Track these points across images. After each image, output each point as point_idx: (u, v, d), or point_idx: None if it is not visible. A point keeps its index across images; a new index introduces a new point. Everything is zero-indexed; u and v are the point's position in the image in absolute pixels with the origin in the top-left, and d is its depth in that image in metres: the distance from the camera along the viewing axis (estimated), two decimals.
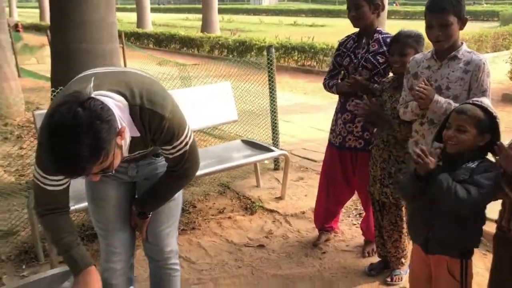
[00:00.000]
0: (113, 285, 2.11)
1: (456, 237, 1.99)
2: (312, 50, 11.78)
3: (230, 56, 13.73)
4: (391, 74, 2.92)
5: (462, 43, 2.35)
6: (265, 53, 4.77)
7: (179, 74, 5.76)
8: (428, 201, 1.98)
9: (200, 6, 22.88)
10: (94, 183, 2.01)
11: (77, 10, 3.85)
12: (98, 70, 1.75)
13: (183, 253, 3.27)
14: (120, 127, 1.53)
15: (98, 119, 1.41)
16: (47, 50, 12.11)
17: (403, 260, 2.91)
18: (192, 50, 16.12)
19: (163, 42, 17.62)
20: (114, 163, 1.55)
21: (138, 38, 19.03)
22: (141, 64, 6.29)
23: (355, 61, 2.96)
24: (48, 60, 4.63)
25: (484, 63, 2.27)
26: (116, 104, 1.56)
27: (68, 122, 1.37)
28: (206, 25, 20.32)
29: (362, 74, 2.91)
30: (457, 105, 2.17)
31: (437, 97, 2.25)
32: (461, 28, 2.30)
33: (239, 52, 13.53)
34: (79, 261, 1.76)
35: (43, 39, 14.16)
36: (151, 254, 2.21)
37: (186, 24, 27.93)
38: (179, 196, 2.15)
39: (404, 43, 2.61)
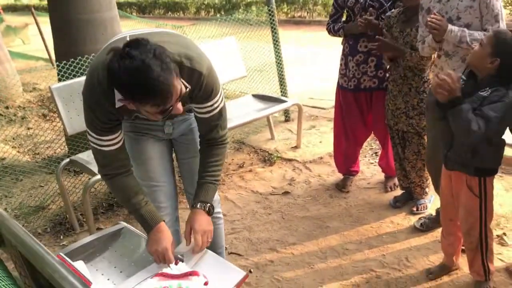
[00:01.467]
0: None
1: (470, 156, 2.08)
2: (301, 0, 11.62)
3: (218, 15, 13.51)
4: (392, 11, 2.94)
5: None
6: (254, 8, 4.72)
7: None
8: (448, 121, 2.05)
9: None
10: (133, 144, 2.08)
11: None
12: (132, 32, 1.78)
13: None
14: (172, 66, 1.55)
15: (146, 46, 1.47)
16: (31, 30, 11.88)
17: (426, 189, 3.04)
18: (178, 13, 15.84)
19: (146, 8, 17.29)
20: (175, 106, 1.59)
21: (120, 8, 18.54)
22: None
23: (362, 1, 2.97)
24: (34, 40, 4.58)
25: None
26: None
27: (129, 64, 1.43)
28: None
29: (372, 13, 2.93)
30: (472, 32, 2.23)
31: (450, 27, 2.29)
32: None
33: (226, 10, 13.32)
34: (149, 220, 1.84)
35: (25, 19, 13.84)
36: None
37: None
38: None
39: None
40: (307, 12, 11.62)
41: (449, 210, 2.34)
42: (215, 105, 1.84)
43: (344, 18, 3.18)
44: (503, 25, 2.30)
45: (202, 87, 1.76)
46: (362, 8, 2.96)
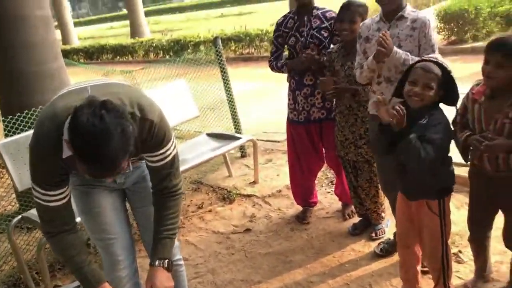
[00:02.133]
0: None
1: (429, 182, 2.17)
2: (248, 38, 11.92)
3: (167, 56, 13.61)
4: (332, 46, 3.09)
5: (406, 4, 2.54)
6: (202, 48, 4.82)
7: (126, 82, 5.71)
8: (397, 155, 2.16)
9: (124, 12, 22.36)
10: (83, 197, 2.03)
11: (17, 33, 3.75)
12: (83, 85, 1.78)
13: None
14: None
15: (122, 118, 1.48)
16: None
17: (382, 214, 3.13)
18: (126, 57, 15.80)
19: (93, 54, 17.13)
20: (128, 162, 1.60)
21: (66, 55, 18.29)
22: (85, 78, 6.14)
23: (302, 39, 3.10)
24: None
25: (428, 20, 2.47)
26: None
27: (98, 125, 1.43)
28: (135, 31, 19.93)
29: (313, 49, 3.06)
30: (414, 57, 2.37)
31: (396, 49, 2.42)
32: None
33: (175, 51, 13.42)
34: (91, 279, 1.81)
35: None
36: None
37: (113, 33, 27.21)
38: None
39: (354, 11, 2.79)
40: (255, 49, 11.91)
41: (406, 237, 2.41)
42: (167, 153, 1.85)
43: (286, 54, 3.30)
44: (437, 54, 2.46)
45: (153, 135, 1.77)
46: (303, 45, 3.08)
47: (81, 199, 2.04)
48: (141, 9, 20.44)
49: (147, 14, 32.48)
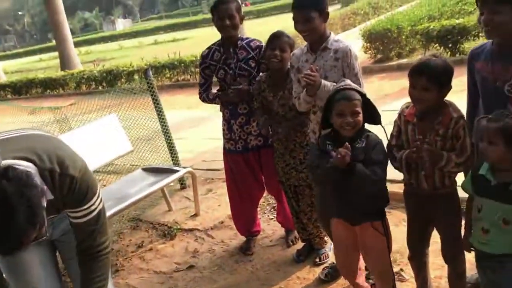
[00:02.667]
0: None
1: (372, 203, 2.23)
2: (183, 65, 11.87)
3: (100, 87, 13.25)
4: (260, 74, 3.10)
5: (330, 33, 2.60)
6: (136, 77, 4.73)
7: (55, 119, 5.45)
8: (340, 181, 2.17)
9: (53, 43, 21.63)
10: (6, 256, 1.87)
11: None
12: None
13: None
14: (41, 185, 1.44)
15: (26, 187, 1.33)
16: None
17: (325, 238, 3.12)
18: (57, 90, 15.21)
19: (22, 89, 16.36)
20: (45, 225, 1.47)
21: None
22: (9, 118, 5.81)
23: (231, 72, 3.08)
24: None
25: (350, 49, 2.53)
26: None
27: (10, 194, 1.29)
28: (64, 62, 19.24)
29: (242, 82, 3.04)
30: None
31: (324, 82, 2.46)
32: (325, 21, 2.53)
33: (108, 81, 13.10)
34: None
35: None
36: None
37: (42, 65, 26.22)
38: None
39: (284, 41, 2.82)
40: (190, 75, 11.87)
41: (349, 264, 2.43)
42: (92, 208, 1.73)
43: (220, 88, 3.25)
44: (361, 81, 2.53)
45: (75, 191, 1.65)
46: (233, 78, 3.06)
47: (2, 258, 1.87)
48: (70, 39, 19.80)
49: (77, 44, 31.70)
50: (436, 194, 2.22)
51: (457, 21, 8.40)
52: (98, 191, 1.75)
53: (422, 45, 8.95)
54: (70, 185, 1.63)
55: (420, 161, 2.13)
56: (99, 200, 1.75)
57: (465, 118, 2.17)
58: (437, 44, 8.51)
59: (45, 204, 1.45)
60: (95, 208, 1.74)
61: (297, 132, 2.89)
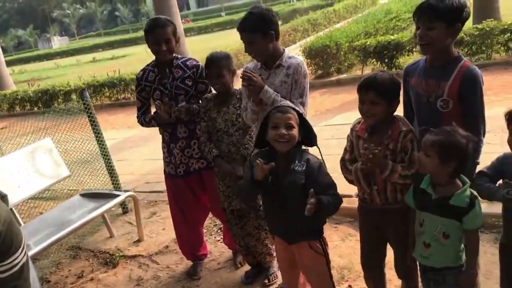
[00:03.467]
0: None
1: (310, 223, 2.19)
2: (122, 83, 11.57)
3: (35, 108, 12.63)
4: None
5: (284, 50, 2.59)
6: (74, 96, 4.53)
7: None
8: (279, 200, 2.15)
9: None
10: None
11: None
12: None
13: None
14: None
15: None
16: None
17: (274, 253, 3.04)
18: None
19: None
20: None
21: None
22: None
23: (167, 92, 2.98)
24: None
25: (301, 66, 2.54)
26: None
27: None
28: None
29: (166, 103, 2.90)
30: (282, 99, 2.40)
31: (267, 87, 2.44)
32: (272, 41, 2.52)
33: (44, 102, 12.51)
34: None
35: None
36: None
37: None
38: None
39: (219, 66, 2.76)
40: (130, 93, 11.57)
41: (291, 281, 2.42)
42: (15, 262, 1.55)
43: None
44: (306, 100, 2.53)
45: None
46: (171, 98, 2.96)
47: None
48: (1, 58, 18.82)
49: (10, 63, 30.28)
50: (388, 210, 2.22)
51: (392, 37, 8.74)
52: (23, 243, 1.58)
53: (360, 61, 9.24)
54: None
55: (370, 171, 2.14)
56: (23, 253, 1.58)
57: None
58: (374, 59, 8.81)
59: None
60: (19, 262, 1.57)
61: (238, 150, 2.83)
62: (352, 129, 2.28)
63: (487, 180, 1.99)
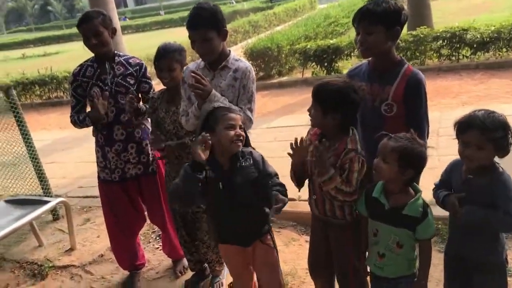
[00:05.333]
0: None
1: (259, 222, 2.18)
2: (55, 81, 10.98)
3: None
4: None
5: (230, 52, 2.46)
6: (1, 95, 4.19)
7: None
8: (230, 203, 2.07)
9: None
10: None
11: None
12: None
13: None
14: None
15: None
16: None
17: (222, 260, 2.93)
18: None
19: None
20: None
21: None
22: None
23: (106, 88, 2.80)
24: None
25: (249, 71, 2.42)
26: None
27: None
28: None
29: (132, 93, 2.76)
30: (230, 104, 2.30)
31: (214, 92, 2.30)
32: (223, 39, 2.40)
33: None
34: None
35: None
36: None
37: None
38: None
39: (171, 58, 2.59)
40: (63, 92, 11.01)
41: (245, 283, 2.37)
42: None
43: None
44: (254, 106, 2.45)
45: None
46: (110, 96, 2.78)
47: None
48: None
49: None
50: (328, 222, 2.16)
51: (331, 41, 8.90)
52: None
53: (300, 64, 9.33)
54: None
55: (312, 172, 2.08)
56: None
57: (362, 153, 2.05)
58: (314, 63, 8.92)
59: None
60: None
61: (189, 154, 2.66)
62: (308, 132, 2.21)
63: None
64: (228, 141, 2.05)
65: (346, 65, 8.29)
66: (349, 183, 1.97)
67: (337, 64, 8.64)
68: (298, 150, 2.06)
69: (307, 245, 3.10)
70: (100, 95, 2.70)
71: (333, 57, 8.59)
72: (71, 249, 3.75)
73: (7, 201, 3.70)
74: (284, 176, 2.53)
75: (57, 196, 3.89)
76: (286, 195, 2.04)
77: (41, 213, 3.54)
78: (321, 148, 1.95)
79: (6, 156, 4.65)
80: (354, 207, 2.09)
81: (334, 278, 2.36)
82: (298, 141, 2.05)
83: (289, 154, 2.10)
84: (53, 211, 4.30)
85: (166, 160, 2.81)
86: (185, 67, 2.59)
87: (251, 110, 2.45)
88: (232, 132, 2.04)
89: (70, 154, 6.50)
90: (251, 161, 2.10)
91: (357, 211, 2.09)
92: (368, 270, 2.14)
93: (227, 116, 2.07)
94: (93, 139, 2.98)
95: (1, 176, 4.51)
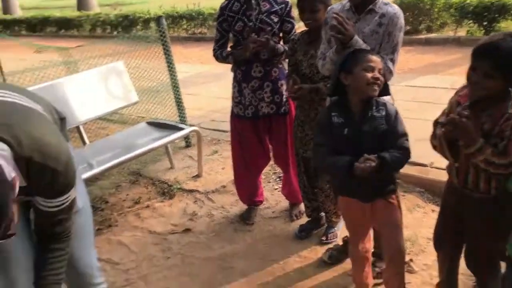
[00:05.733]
0: None
1: (384, 181, 2.07)
2: (201, 17, 11.45)
3: (115, 32, 12.90)
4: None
5: None
6: (152, 24, 4.44)
7: (62, 60, 5.19)
8: (355, 154, 1.95)
9: None
10: None
11: None
12: None
13: (103, 255, 2.98)
14: (10, 179, 1.22)
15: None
16: None
17: (339, 212, 2.88)
18: (72, 31, 14.89)
19: (36, 26, 16.06)
20: (14, 220, 1.25)
21: (7, 26, 17.14)
22: (16, 54, 5.58)
23: (250, 24, 2.78)
24: None
25: (397, 17, 2.20)
26: None
27: None
28: (82, 3, 18.81)
29: (265, 35, 2.74)
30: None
31: (356, 37, 2.14)
32: None
33: (124, 27, 12.74)
34: None
35: None
36: (70, 280, 1.92)
37: (60, 4, 25.69)
38: (85, 208, 1.87)
39: None
40: (207, 29, 11.45)
41: (359, 240, 2.27)
42: (67, 199, 1.51)
43: (233, 43, 2.96)
44: (397, 57, 2.24)
45: (54, 184, 1.44)
46: (253, 31, 2.76)
47: None
48: None
49: None
50: (467, 196, 1.90)
51: None
52: (75, 183, 1.54)
53: (455, 21, 8.45)
54: (52, 178, 1.42)
55: (452, 138, 1.81)
56: (74, 190, 1.54)
57: None
58: (471, 21, 8.01)
59: (15, 195, 1.23)
60: (69, 198, 1.53)
61: (321, 100, 2.57)
62: (456, 92, 1.96)
63: None
64: (364, 83, 1.92)
65: (510, 27, 7.30)
66: (506, 154, 1.69)
67: (498, 25, 7.63)
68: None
69: (433, 215, 2.92)
70: (255, 41, 2.68)
71: (496, 16, 7.59)
72: (198, 175, 3.97)
73: (148, 123, 4.01)
74: (419, 140, 2.34)
75: (191, 125, 4.10)
76: (399, 163, 1.95)
77: (176, 138, 3.78)
78: (470, 114, 1.71)
79: (152, 82, 5.01)
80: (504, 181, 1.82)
81: (461, 256, 2.16)
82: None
83: (441, 124, 1.85)
84: (186, 138, 4.58)
85: (297, 103, 2.76)
86: (329, 8, 2.44)
87: (393, 61, 2.24)
88: (369, 74, 1.91)
89: (208, 88, 6.81)
90: (384, 113, 1.96)
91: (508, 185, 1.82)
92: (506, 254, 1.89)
93: (367, 58, 1.94)
94: (231, 76, 3.03)
95: (146, 100, 4.90)
